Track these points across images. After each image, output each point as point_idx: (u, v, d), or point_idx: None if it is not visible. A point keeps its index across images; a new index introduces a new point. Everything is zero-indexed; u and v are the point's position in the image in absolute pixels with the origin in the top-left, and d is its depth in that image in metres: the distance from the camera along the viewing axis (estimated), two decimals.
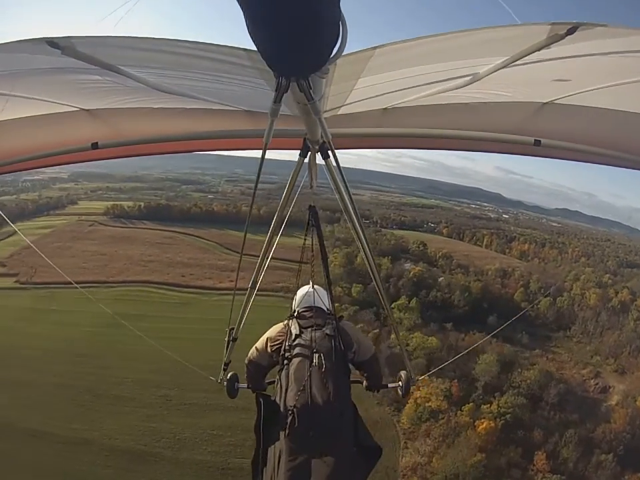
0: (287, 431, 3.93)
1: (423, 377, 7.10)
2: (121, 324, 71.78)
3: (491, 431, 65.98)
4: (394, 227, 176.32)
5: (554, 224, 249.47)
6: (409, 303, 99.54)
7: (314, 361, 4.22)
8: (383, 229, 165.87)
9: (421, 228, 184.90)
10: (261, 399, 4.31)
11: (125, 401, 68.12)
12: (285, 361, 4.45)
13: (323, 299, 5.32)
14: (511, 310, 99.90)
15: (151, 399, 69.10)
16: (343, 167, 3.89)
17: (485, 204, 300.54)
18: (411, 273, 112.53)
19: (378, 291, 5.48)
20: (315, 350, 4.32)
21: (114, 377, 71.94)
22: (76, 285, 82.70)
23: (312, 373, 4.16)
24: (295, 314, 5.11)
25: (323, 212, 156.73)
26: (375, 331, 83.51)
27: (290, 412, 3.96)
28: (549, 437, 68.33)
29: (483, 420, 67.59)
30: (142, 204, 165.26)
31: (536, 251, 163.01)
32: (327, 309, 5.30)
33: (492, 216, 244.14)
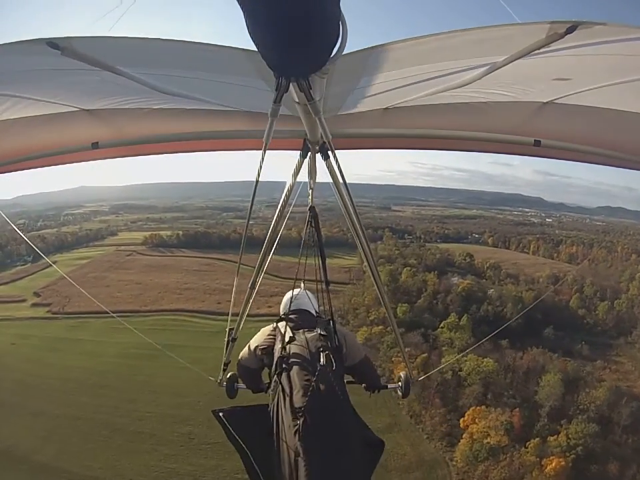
0: (300, 433, 3.69)
1: (422, 377, 6.98)
2: (148, 355, 73.91)
3: (560, 471, 55.83)
4: (438, 240, 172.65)
5: (598, 223, 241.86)
6: (459, 320, 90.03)
7: (321, 360, 4.11)
8: (427, 244, 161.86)
9: (466, 239, 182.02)
10: (220, 413, 4.26)
11: (145, 438, 63.38)
12: (283, 364, 4.19)
13: (312, 302, 5.31)
14: (568, 319, 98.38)
15: (173, 437, 63.84)
16: (346, 171, 3.93)
17: (527, 209, 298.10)
18: (459, 287, 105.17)
19: (378, 290, 5.38)
20: (321, 349, 4.24)
21: (136, 411, 67.52)
22: (109, 313, 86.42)
23: (319, 372, 3.99)
24: (284, 317, 5.00)
25: (365, 230, 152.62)
26: (424, 355, 75.32)
27: (300, 413, 3.77)
28: (626, 469, 57.81)
29: (551, 458, 57.33)
30: (180, 232, 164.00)
31: (584, 253, 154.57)
32: (316, 312, 5.29)
33: (535, 221, 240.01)
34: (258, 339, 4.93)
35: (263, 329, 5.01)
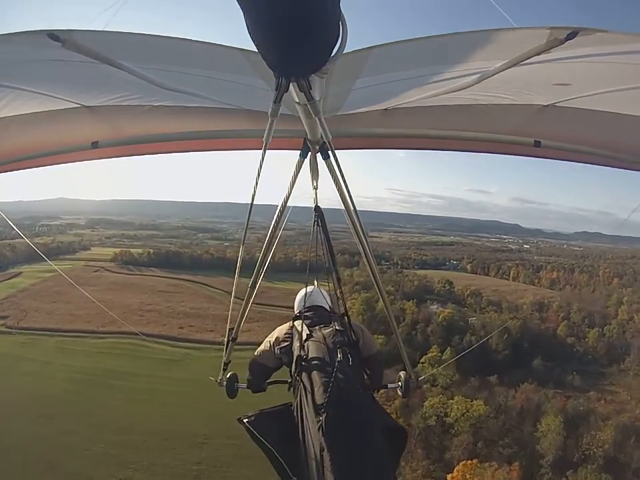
0: (322, 429, 3.65)
1: (422, 377, 6.98)
2: (96, 382, 70.50)
3: None
4: (415, 266, 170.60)
5: (576, 248, 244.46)
6: (442, 354, 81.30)
7: (338, 355, 4.10)
8: (404, 270, 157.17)
9: (444, 266, 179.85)
10: (245, 420, 4.15)
11: None
12: (303, 362, 4.22)
13: (325, 298, 5.43)
14: (557, 348, 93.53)
15: None
16: (344, 171, 3.97)
17: (505, 236, 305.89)
18: (440, 317, 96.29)
19: (378, 289, 5.17)
20: (338, 345, 4.24)
21: (74, 447, 57.20)
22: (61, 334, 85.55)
23: (338, 368, 3.98)
24: (300, 314, 5.03)
25: (341, 255, 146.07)
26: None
27: (322, 409, 3.73)
28: None
29: None
30: (151, 250, 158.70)
31: (566, 278, 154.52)
32: (329, 307, 5.35)
33: (513, 247, 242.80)
34: (276, 338, 4.86)
35: (279, 327, 5.04)
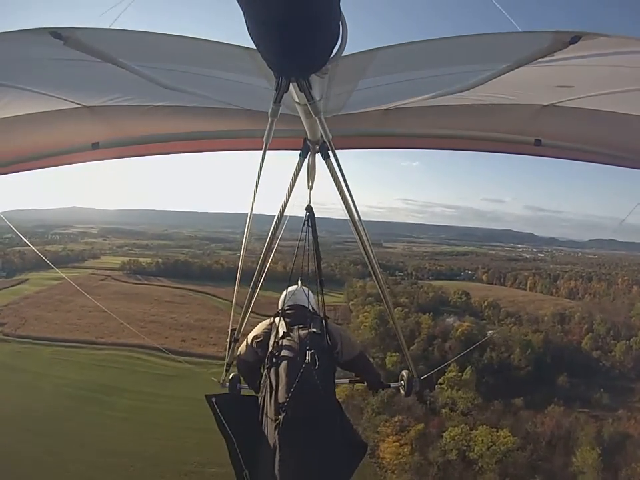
0: (279, 426, 3.78)
1: (425, 375, 6.32)
2: (87, 397, 67.09)
3: None
4: (430, 277, 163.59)
5: (590, 256, 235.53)
6: (462, 373, 73.88)
7: (306, 358, 4.00)
8: (419, 281, 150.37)
9: (459, 276, 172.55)
10: (213, 399, 4.32)
11: None
12: (274, 359, 4.22)
13: (309, 299, 5.07)
14: (582, 363, 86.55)
15: None
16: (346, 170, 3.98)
17: (519, 245, 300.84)
18: (458, 331, 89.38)
19: (379, 288, 5.38)
20: (307, 347, 4.10)
21: (55, 467, 52.53)
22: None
23: (304, 370, 3.94)
24: (281, 312, 4.90)
25: (353, 266, 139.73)
26: (419, 425, 58.25)
27: (282, 408, 3.82)
28: None
29: None
30: (160, 260, 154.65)
31: (585, 287, 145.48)
32: (313, 309, 4.99)
33: (527, 256, 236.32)
34: (255, 332, 4.86)
35: (260, 322, 4.96)
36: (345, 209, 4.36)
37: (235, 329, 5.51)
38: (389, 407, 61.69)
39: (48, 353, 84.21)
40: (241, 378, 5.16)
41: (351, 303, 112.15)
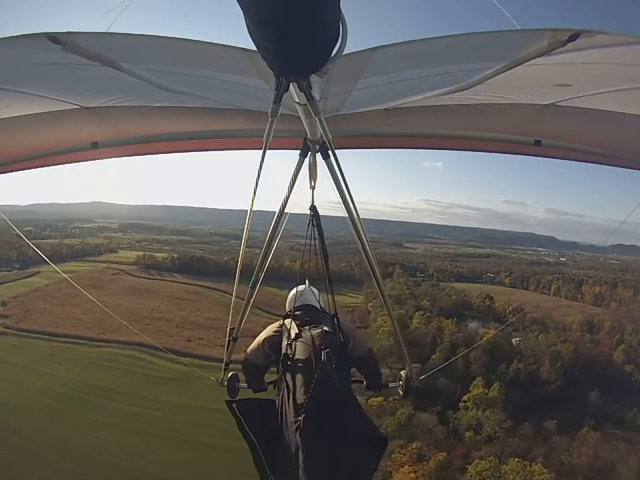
0: (300, 429, 3.76)
1: (424, 376, 6.32)
2: (74, 398, 63.91)
3: None
4: (451, 279, 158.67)
5: (613, 261, 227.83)
6: (489, 390, 66.76)
7: (322, 357, 4.07)
8: (440, 282, 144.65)
9: (480, 279, 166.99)
10: (234, 405, 4.35)
11: None
12: (288, 361, 4.26)
13: (317, 298, 5.26)
14: (614, 378, 78.90)
15: None
16: (345, 169, 4.03)
17: (540, 248, 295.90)
18: (483, 338, 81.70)
19: (378, 289, 5.47)
20: (322, 347, 4.18)
21: (26, 472, 48.21)
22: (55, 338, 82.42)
23: (321, 370, 4.00)
24: (291, 313, 4.88)
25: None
26: (441, 454, 50.93)
27: (302, 409, 3.83)
28: None
29: None
30: (176, 255, 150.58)
31: (610, 293, 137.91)
32: (320, 307, 5.19)
33: (549, 260, 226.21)
34: (266, 335, 4.81)
35: (269, 326, 4.95)
36: (344, 209, 4.32)
37: (233, 328, 5.49)
38: (406, 429, 54.52)
39: (45, 348, 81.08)
40: (239, 377, 5.26)
41: (370, 304, 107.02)
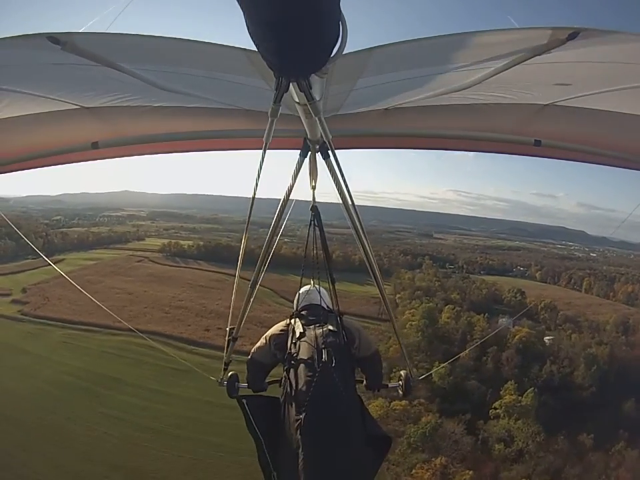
0: (301, 427, 3.83)
1: (423, 376, 6.73)
2: (81, 388, 62.06)
3: None
4: (481, 272, 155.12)
5: None
6: (521, 397, 61.16)
7: (323, 356, 4.09)
8: (470, 275, 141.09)
9: (511, 272, 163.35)
10: (244, 400, 4.43)
11: None
12: (292, 360, 4.31)
13: (323, 298, 5.20)
14: None
15: None
16: (345, 168, 3.96)
17: (570, 243, 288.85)
18: (516, 337, 77.76)
19: (377, 287, 5.20)
20: (323, 346, 4.21)
21: (21, 467, 45.45)
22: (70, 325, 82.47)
23: (321, 369, 4.05)
24: (297, 313, 4.97)
25: (403, 256, 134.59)
26: (468, 473, 45.17)
27: (303, 408, 3.88)
28: None
29: None
30: (201, 243, 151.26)
31: None
32: (328, 307, 5.14)
33: (580, 255, 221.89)
34: (272, 334, 4.84)
35: (276, 325, 4.97)
36: (344, 209, 4.25)
37: (233, 328, 5.44)
38: (431, 440, 48.92)
39: (59, 335, 79.42)
40: (239, 377, 5.14)
41: (398, 296, 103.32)
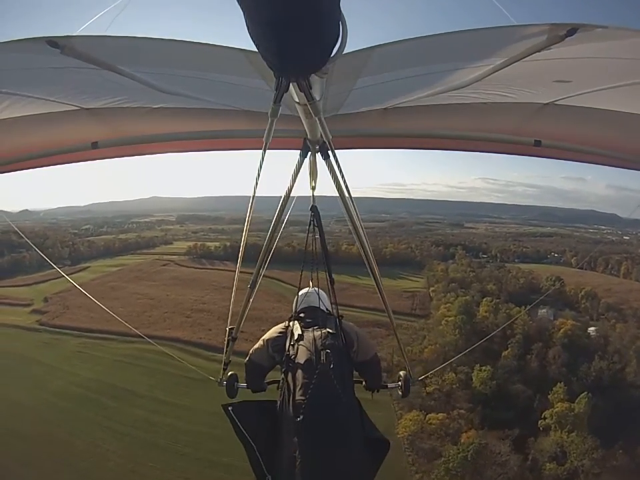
0: (299, 429, 3.83)
1: (422, 376, 6.64)
2: (89, 400, 61.73)
3: None
4: (516, 260, 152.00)
5: None
6: (573, 403, 53.71)
7: (321, 358, 4.08)
8: (505, 264, 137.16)
9: (545, 259, 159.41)
10: (230, 408, 4.25)
11: None
12: (290, 362, 4.28)
13: (323, 300, 5.14)
14: None
15: None
16: (345, 168, 3.98)
17: (602, 226, 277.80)
18: (561, 331, 71.77)
19: (376, 286, 5.15)
20: (321, 347, 4.20)
21: None
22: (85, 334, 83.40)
23: (320, 371, 4.04)
24: (295, 315, 4.93)
25: (435, 247, 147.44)
26: None
27: (301, 410, 3.86)
28: None
29: None
30: (228, 243, 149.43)
31: None
32: (327, 310, 5.12)
33: (613, 239, 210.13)
34: (270, 336, 4.80)
35: (274, 327, 4.90)
36: (344, 209, 4.25)
37: (232, 328, 5.41)
38: (473, 461, 42.47)
39: (74, 344, 79.60)
40: (238, 377, 5.13)
41: (432, 289, 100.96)
